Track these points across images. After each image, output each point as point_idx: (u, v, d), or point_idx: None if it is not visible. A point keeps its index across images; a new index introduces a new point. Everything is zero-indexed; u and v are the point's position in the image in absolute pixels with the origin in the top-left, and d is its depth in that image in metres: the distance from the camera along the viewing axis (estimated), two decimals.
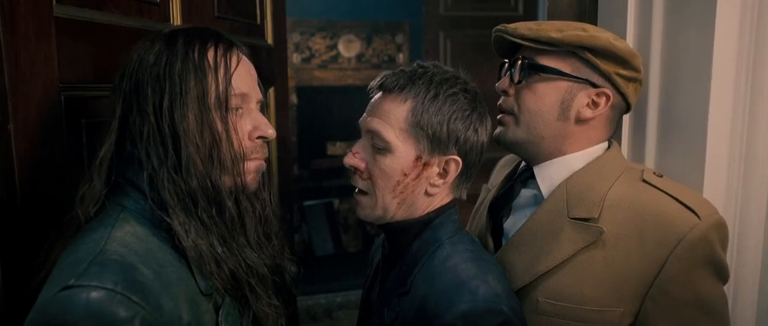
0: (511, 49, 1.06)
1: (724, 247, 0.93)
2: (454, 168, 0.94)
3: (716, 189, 1.05)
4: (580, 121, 0.99)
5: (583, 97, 0.98)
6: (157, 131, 0.79)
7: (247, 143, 0.86)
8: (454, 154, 0.94)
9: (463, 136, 0.94)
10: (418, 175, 0.94)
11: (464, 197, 1.01)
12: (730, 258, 1.07)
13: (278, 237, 0.96)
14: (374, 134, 0.94)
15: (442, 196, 0.98)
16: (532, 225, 1.00)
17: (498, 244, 1.08)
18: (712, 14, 1.01)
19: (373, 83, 0.98)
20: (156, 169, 0.79)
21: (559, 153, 1.01)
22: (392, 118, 0.93)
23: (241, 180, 0.84)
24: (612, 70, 0.97)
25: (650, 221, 0.92)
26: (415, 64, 0.97)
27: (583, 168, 1.00)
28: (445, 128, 0.92)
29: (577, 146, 1.01)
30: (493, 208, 1.11)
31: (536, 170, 1.04)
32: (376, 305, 1.01)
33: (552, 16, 1.35)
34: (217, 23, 1.45)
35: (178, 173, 0.79)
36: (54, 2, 0.96)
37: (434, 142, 0.93)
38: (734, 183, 1.06)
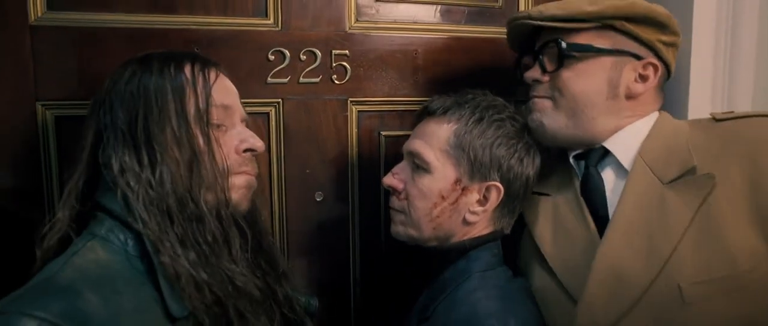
0: (527, 40, 1.00)
1: None
2: (496, 195, 0.91)
3: None
4: (630, 97, 0.92)
5: (630, 72, 0.91)
6: (133, 148, 0.75)
7: (233, 157, 0.82)
8: (495, 181, 0.91)
9: (506, 164, 0.91)
10: (457, 200, 0.91)
11: (508, 231, 0.97)
12: None
13: (288, 266, 0.92)
14: (415, 155, 0.93)
15: (481, 226, 0.94)
16: (625, 212, 0.86)
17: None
18: None
19: (420, 108, 0.98)
20: (132, 187, 0.74)
21: (617, 128, 0.92)
22: (434, 139, 0.92)
23: (226, 196, 0.80)
24: (653, 37, 0.91)
25: (754, 143, 0.82)
26: (464, 91, 0.97)
27: (648, 135, 0.91)
28: (487, 152, 0.90)
29: (634, 117, 0.93)
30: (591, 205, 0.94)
31: (609, 145, 0.93)
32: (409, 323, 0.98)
33: None
34: None
35: (155, 189, 0.75)
36: (31, 10, 0.90)
37: (475, 165, 0.90)
38: None
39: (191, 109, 0.78)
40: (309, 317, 0.93)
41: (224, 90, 0.83)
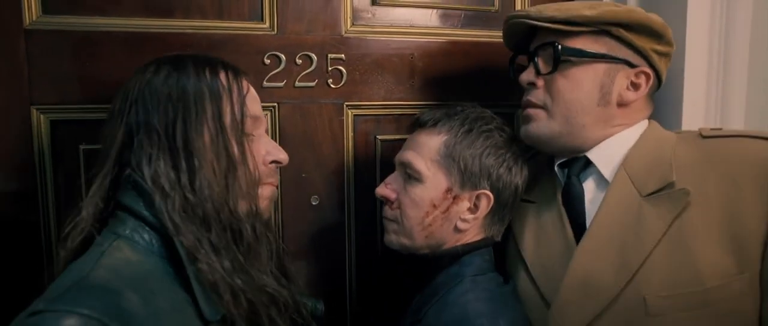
0: (522, 39, 1.00)
1: None
2: (486, 203, 0.94)
3: None
4: (621, 105, 0.92)
5: (622, 79, 0.91)
6: (169, 152, 0.75)
7: (261, 167, 0.84)
8: (485, 189, 0.93)
9: (495, 173, 0.94)
10: (448, 209, 0.93)
11: (498, 238, 0.99)
12: None
13: (292, 272, 0.92)
14: (406, 165, 0.95)
15: (472, 233, 0.96)
16: (602, 222, 0.88)
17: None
18: None
19: (412, 120, 1.01)
20: (166, 191, 0.73)
21: (605, 136, 0.93)
22: (425, 150, 0.94)
23: (256, 206, 0.82)
24: (648, 46, 0.91)
25: (736, 163, 0.82)
26: (454, 104, 1.00)
27: (634, 145, 0.92)
28: (477, 162, 0.93)
29: (623, 125, 0.93)
30: (571, 214, 0.96)
31: (591, 155, 0.94)
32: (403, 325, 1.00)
33: None
34: None
35: (193, 196, 0.74)
36: (26, 13, 0.89)
37: (466, 175, 0.93)
38: None
39: (227, 116, 0.79)
40: (315, 321, 0.93)
41: (254, 100, 0.85)
